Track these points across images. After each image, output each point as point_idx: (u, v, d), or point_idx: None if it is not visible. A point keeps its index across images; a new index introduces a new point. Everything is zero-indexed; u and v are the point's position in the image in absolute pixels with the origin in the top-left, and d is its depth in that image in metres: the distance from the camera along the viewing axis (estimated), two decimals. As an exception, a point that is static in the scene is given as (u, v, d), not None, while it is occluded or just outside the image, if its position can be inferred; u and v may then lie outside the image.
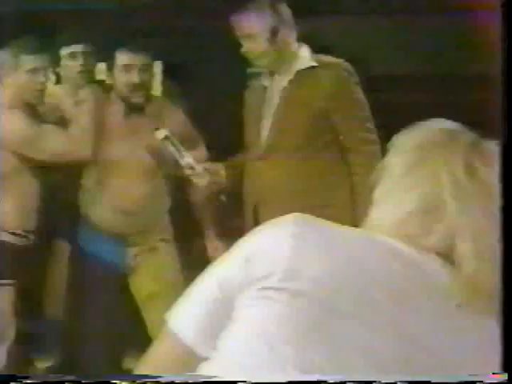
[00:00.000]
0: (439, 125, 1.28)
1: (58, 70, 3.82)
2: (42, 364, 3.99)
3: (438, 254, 1.19)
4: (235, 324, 1.18)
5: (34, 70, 3.53)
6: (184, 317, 1.23)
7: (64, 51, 3.82)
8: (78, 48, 3.81)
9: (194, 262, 3.92)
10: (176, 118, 3.67)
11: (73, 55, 3.80)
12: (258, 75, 3.42)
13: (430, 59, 5.16)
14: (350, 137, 3.25)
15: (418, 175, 1.23)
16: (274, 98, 3.33)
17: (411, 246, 1.20)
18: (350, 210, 3.23)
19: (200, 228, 3.89)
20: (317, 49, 3.39)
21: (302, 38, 3.38)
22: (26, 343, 3.82)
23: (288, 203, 3.25)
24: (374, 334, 1.13)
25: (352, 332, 1.12)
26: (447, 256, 1.19)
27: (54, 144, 3.50)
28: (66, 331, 3.85)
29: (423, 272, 1.18)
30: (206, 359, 1.19)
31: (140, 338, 3.71)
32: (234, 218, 3.62)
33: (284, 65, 3.31)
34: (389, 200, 1.26)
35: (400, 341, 1.13)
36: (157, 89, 3.71)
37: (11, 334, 3.57)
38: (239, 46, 3.30)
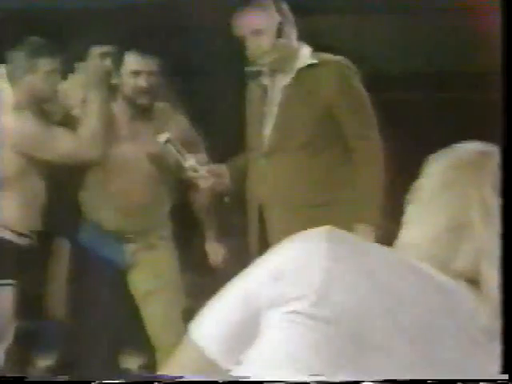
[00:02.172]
0: (471, 146, 1.28)
1: (77, 65, 3.79)
2: (42, 363, 3.99)
3: (466, 278, 1.20)
4: (261, 342, 1.17)
5: (51, 72, 3.53)
6: (207, 329, 1.22)
7: (94, 50, 3.79)
8: (108, 49, 3.76)
9: (194, 263, 3.94)
10: (179, 124, 3.70)
11: (103, 55, 3.77)
12: (257, 74, 3.42)
13: (430, 58, 5.16)
14: (354, 134, 3.26)
15: (447, 196, 1.23)
16: (276, 96, 3.33)
17: (441, 270, 1.20)
18: (354, 207, 3.24)
19: (201, 230, 3.91)
20: (318, 47, 3.39)
21: (303, 37, 3.39)
22: (27, 342, 3.82)
23: (293, 202, 3.26)
24: (401, 367, 1.13)
25: (379, 363, 1.12)
26: (474, 280, 1.19)
27: (64, 145, 3.50)
28: (67, 329, 3.85)
29: (452, 298, 1.19)
30: (227, 372, 1.18)
31: (138, 336, 3.72)
32: (238, 218, 3.63)
33: (285, 63, 3.31)
34: (419, 221, 1.26)
35: (426, 371, 1.13)
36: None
37: (10, 334, 3.57)
38: (239, 44, 3.30)
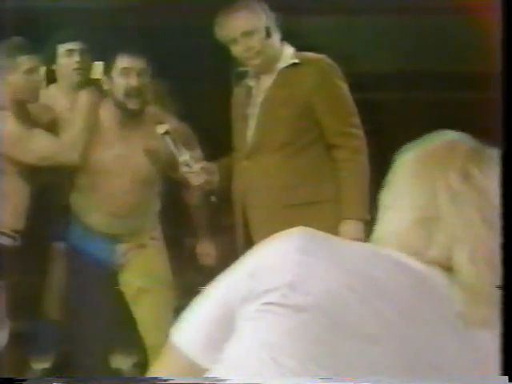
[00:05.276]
0: (442, 136, 1.30)
1: (53, 67, 3.79)
2: (39, 365, 3.99)
3: (440, 265, 1.22)
4: (238, 335, 1.19)
5: (31, 70, 3.52)
6: (188, 331, 1.25)
7: (60, 48, 3.77)
8: (74, 45, 3.75)
9: (185, 262, 3.95)
10: (171, 124, 3.65)
11: (69, 52, 3.75)
12: (244, 75, 3.44)
13: (417, 58, 5.19)
14: (334, 131, 3.27)
15: (416, 187, 1.26)
16: (259, 97, 3.35)
17: (416, 258, 1.22)
18: (335, 206, 3.26)
19: (192, 229, 3.93)
20: (304, 48, 3.41)
21: (290, 37, 3.40)
22: (23, 344, 3.82)
23: (274, 202, 3.28)
24: (378, 349, 1.15)
25: (356, 347, 1.14)
26: (448, 266, 1.21)
27: (43, 147, 3.49)
28: (62, 331, 3.85)
29: (428, 285, 1.21)
30: (208, 371, 1.21)
31: (130, 336, 3.73)
32: (225, 217, 3.65)
33: (269, 64, 3.33)
34: (391, 214, 1.29)
35: (404, 355, 1.15)
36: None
37: (4, 336, 3.56)
38: (225, 46, 3.31)
